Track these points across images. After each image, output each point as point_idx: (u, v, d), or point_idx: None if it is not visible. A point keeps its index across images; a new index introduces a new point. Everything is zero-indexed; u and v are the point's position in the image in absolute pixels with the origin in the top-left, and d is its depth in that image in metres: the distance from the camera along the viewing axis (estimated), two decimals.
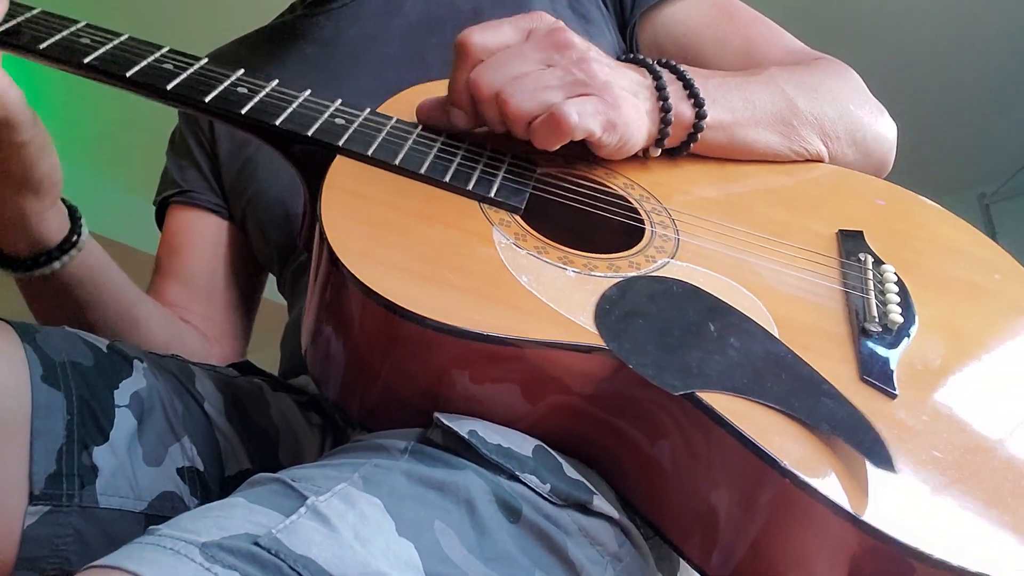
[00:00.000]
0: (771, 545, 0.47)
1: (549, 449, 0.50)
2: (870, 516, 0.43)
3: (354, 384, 0.53)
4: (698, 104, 0.63)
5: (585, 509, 0.48)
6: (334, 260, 0.50)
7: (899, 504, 0.45)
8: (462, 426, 0.48)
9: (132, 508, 0.60)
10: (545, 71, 0.56)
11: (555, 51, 0.57)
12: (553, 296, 0.51)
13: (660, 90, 0.62)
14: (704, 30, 0.81)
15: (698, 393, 0.47)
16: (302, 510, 0.40)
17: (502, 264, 0.52)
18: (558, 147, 0.57)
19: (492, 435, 0.48)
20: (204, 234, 0.89)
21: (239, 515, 0.40)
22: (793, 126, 0.69)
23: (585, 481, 0.50)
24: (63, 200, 0.70)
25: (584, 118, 0.56)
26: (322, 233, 0.51)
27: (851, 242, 0.63)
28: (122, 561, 0.37)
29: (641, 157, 0.64)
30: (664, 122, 0.62)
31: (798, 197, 0.68)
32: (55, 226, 0.68)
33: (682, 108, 0.63)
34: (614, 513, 0.50)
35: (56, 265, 0.69)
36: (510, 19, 0.59)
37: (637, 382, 0.48)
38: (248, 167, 0.86)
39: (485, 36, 0.57)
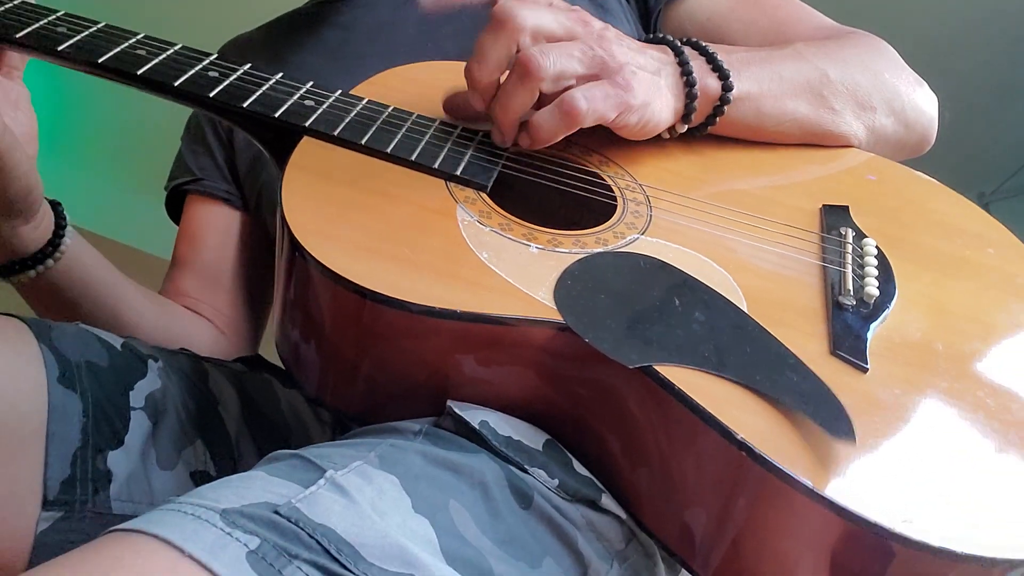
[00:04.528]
0: (739, 525, 0.46)
1: (559, 444, 0.50)
2: (832, 491, 0.42)
3: (322, 369, 0.53)
4: (723, 76, 0.61)
5: (594, 505, 0.48)
6: (292, 240, 0.50)
7: (863, 478, 0.43)
8: (473, 416, 0.47)
9: None
10: (568, 44, 0.56)
11: (580, 26, 0.57)
12: (512, 272, 0.50)
13: (683, 65, 0.60)
14: (728, 13, 0.79)
15: (655, 366, 0.46)
16: (321, 482, 0.40)
17: (463, 241, 0.52)
18: (567, 134, 0.57)
19: (503, 427, 0.48)
20: (217, 225, 0.89)
21: (258, 486, 0.40)
22: (824, 96, 0.66)
23: (594, 479, 0.49)
24: (56, 207, 0.70)
25: (593, 103, 0.55)
26: (281, 213, 0.51)
27: (835, 217, 0.61)
28: (144, 525, 0.36)
29: (661, 137, 0.63)
30: (690, 97, 0.60)
31: (784, 174, 0.67)
32: (30, 239, 0.67)
33: (707, 81, 0.61)
34: (622, 513, 0.49)
35: (31, 274, 0.68)
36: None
37: (596, 357, 0.47)
38: (263, 155, 0.86)
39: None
